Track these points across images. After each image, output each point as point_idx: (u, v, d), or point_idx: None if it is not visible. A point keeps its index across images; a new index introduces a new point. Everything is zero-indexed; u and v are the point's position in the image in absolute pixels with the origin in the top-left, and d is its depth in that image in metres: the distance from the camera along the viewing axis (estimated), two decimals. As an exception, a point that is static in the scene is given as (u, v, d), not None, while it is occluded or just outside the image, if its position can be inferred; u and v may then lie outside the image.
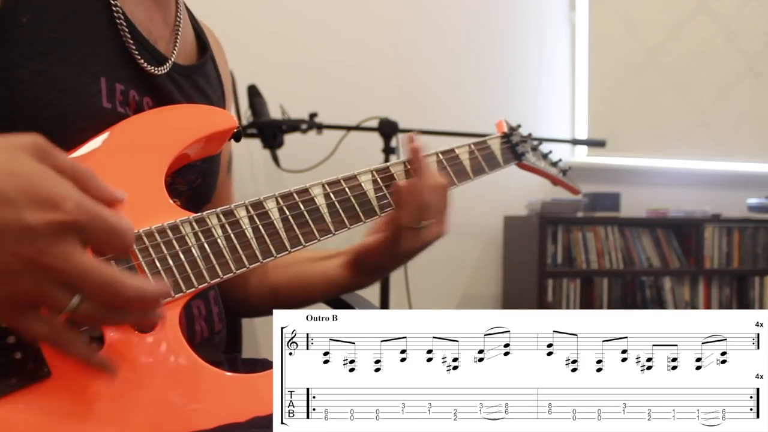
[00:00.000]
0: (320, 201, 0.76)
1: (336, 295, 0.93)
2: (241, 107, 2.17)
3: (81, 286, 0.48)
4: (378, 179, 0.82)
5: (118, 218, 0.50)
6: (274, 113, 2.19)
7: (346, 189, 0.78)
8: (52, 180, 0.48)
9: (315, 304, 0.94)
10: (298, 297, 0.93)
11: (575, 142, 2.77)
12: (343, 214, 0.77)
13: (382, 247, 0.84)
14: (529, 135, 1.04)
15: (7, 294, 0.47)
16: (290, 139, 2.26)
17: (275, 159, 2.24)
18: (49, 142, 0.49)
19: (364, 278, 0.90)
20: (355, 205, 0.78)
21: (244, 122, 2.17)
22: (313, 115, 2.21)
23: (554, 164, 1.09)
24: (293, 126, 2.16)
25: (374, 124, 2.24)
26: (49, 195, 0.46)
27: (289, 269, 0.93)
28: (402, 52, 2.72)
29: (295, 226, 0.73)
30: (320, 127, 2.20)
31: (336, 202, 0.77)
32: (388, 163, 0.84)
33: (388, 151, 2.21)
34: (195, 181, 0.80)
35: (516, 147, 0.98)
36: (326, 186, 0.77)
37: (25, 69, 0.62)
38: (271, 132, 2.15)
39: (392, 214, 0.81)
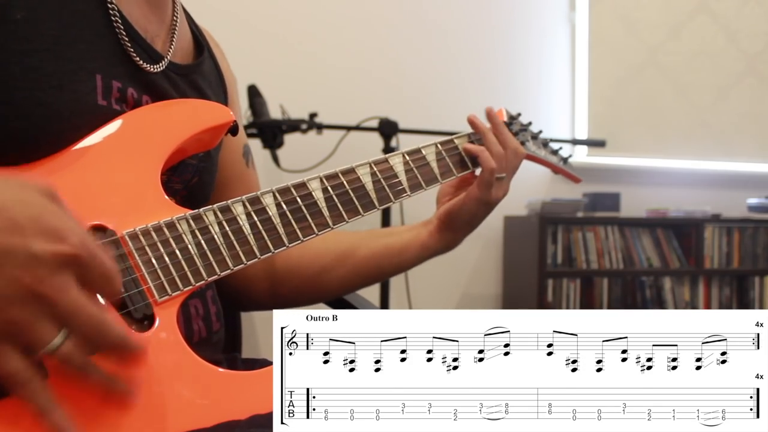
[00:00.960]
0: (318, 195, 0.75)
1: (425, 259, 0.98)
2: (241, 107, 2.17)
3: (70, 320, 0.48)
4: (376, 172, 0.81)
5: (113, 264, 0.51)
6: (274, 113, 2.19)
7: (344, 182, 0.78)
8: (60, 215, 0.50)
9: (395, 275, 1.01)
10: (387, 268, 0.97)
11: (575, 142, 2.77)
12: (341, 208, 0.77)
13: (473, 197, 0.91)
14: (530, 123, 1.04)
15: None
16: (290, 139, 2.26)
17: (275, 159, 2.24)
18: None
19: (458, 234, 0.96)
20: (354, 199, 0.78)
21: (244, 122, 2.17)
22: (313, 115, 2.21)
23: (555, 152, 1.09)
24: (293, 126, 2.16)
25: (374, 124, 2.24)
26: (57, 227, 0.48)
27: (372, 243, 0.96)
28: (402, 52, 2.72)
29: (292, 222, 0.72)
30: (320, 127, 2.20)
31: (334, 196, 0.76)
32: (386, 156, 0.84)
33: (388, 151, 2.22)
34: (191, 179, 0.79)
35: (516, 135, 0.98)
36: (324, 180, 0.77)
37: (19, 66, 0.62)
38: (271, 132, 2.16)
39: (490, 165, 0.89)
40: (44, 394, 0.50)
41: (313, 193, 0.75)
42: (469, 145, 0.92)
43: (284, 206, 0.72)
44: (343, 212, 0.77)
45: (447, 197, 0.97)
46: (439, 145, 0.90)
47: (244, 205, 0.70)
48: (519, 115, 1.03)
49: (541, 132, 1.06)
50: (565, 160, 1.10)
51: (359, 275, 0.96)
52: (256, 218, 0.70)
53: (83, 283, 0.50)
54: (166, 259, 0.63)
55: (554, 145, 1.09)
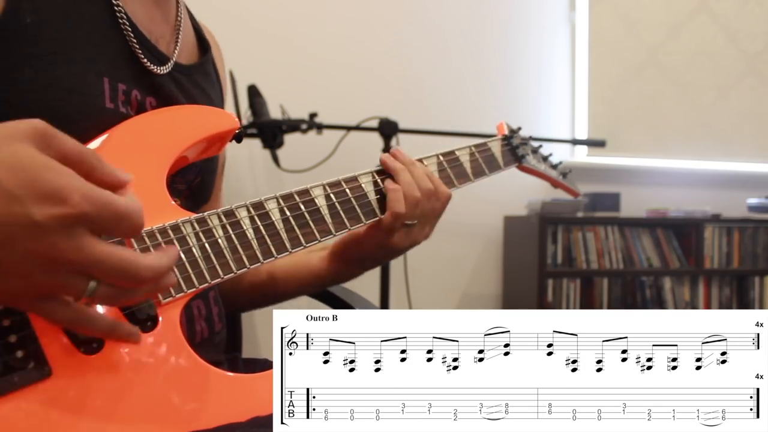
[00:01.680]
0: (321, 202, 0.76)
1: (316, 289, 0.94)
2: (241, 107, 2.17)
3: (96, 273, 0.49)
4: (378, 180, 0.82)
5: (125, 202, 0.49)
6: (274, 113, 2.19)
7: (347, 190, 0.79)
8: (56, 171, 0.47)
9: (303, 296, 0.96)
10: (278, 291, 0.94)
11: (575, 142, 2.77)
12: (343, 215, 0.77)
13: (371, 238, 0.83)
14: (530, 137, 1.04)
15: (25, 288, 0.48)
16: (290, 139, 2.26)
17: (275, 159, 2.24)
18: (50, 126, 0.48)
19: (347, 269, 0.90)
20: (356, 206, 0.79)
21: (244, 122, 2.17)
22: (313, 115, 2.21)
23: (554, 167, 1.10)
24: (293, 126, 2.16)
25: (374, 124, 2.24)
26: (55, 188, 0.46)
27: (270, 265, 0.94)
28: (402, 52, 2.72)
29: (295, 227, 0.73)
30: (320, 127, 2.20)
31: (336, 203, 0.77)
32: None
33: (388, 151, 2.21)
34: (194, 180, 0.80)
35: (516, 149, 0.98)
36: (327, 187, 0.77)
37: (28, 69, 0.62)
38: (271, 132, 2.15)
39: (395, 207, 0.80)
40: (102, 320, 0.53)
41: (316, 200, 0.76)
42: (388, 183, 0.82)
43: (287, 212, 0.73)
44: (346, 220, 0.78)
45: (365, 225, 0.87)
46: (440, 156, 0.90)
47: (248, 210, 0.71)
48: (519, 128, 1.03)
49: (541, 146, 1.07)
50: (564, 174, 1.11)
51: (260, 291, 0.94)
52: (259, 223, 0.71)
53: (100, 231, 0.49)
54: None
55: (553, 160, 1.10)
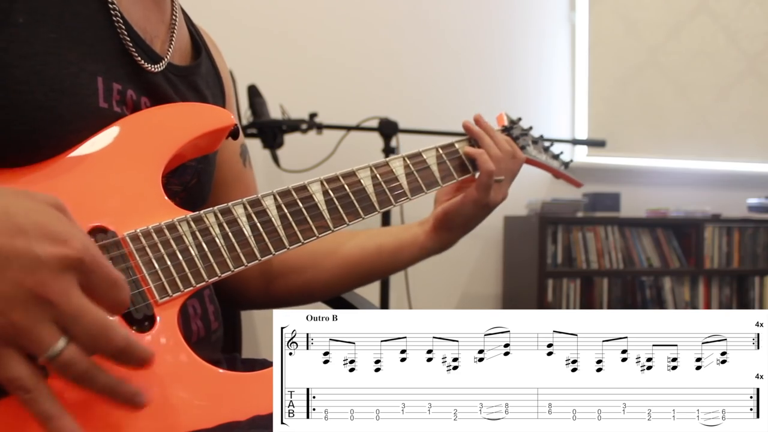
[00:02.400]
0: (319, 198, 0.76)
1: (421, 259, 0.97)
2: (241, 107, 2.17)
3: (72, 325, 0.48)
4: (377, 175, 0.82)
5: (118, 272, 0.51)
6: (274, 113, 2.19)
7: (345, 185, 0.78)
8: (65, 221, 0.50)
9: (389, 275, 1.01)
10: (383, 267, 0.97)
11: (575, 142, 2.77)
12: (341, 211, 0.77)
13: (471, 199, 0.91)
14: (530, 128, 1.04)
15: None
16: (290, 139, 2.26)
17: (275, 159, 2.24)
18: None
19: (453, 235, 0.95)
20: (354, 202, 0.78)
21: (244, 122, 2.17)
22: (313, 115, 2.21)
23: (555, 157, 1.09)
24: (293, 126, 2.16)
25: (374, 124, 2.24)
26: (61, 232, 0.48)
27: (365, 242, 0.96)
28: (402, 52, 2.72)
29: (293, 224, 0.72)
30: (320, 127, 2.20)
31: (334, 199, 0.77)
32: (386, 159, 0.84)
33: (388, 151, 2.21)
34: (190, 181, 0.79)
35: (516, 140, 0.98)
36: (325, 183, 0.77)
37: (21, 69, 0.62)
38: (271, 132, 2.15)
39: (488, 167, 0.89)
40: (48, 400, 0.48)
41: (314, 196, 0.75)
42: (470, 148, 0.92)
43: (285, 208, 0.73)
44: (344, 215, 0.77)
45: (446, 197, 0.96)
46: (440, 149, 0.90)
47: (245, 207, 0.70)
48: (519, 119, 1.03)
49: (541, 137, 1.06)
50: (566, 164, 1.10)
51: (349, 272, 0.95)
52: (256, 220, 0.70)
53: (88, 289, 0.49)
54: (167, 260, 0.64)
55: (555, 150, 1.09)
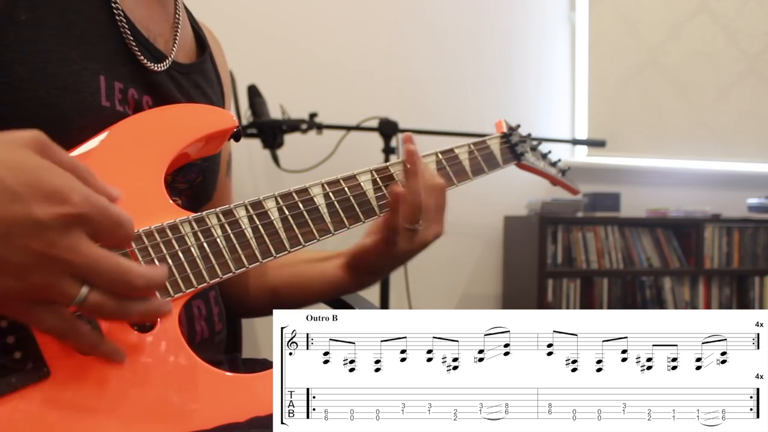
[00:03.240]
0: (320, 201, 0.76)
1: (334, 296, 0.93)
2: (241, 107, 2.17)
3: (90, 276, 0.49)
4: (377, 179, 0.81)
5: (119, 210, 0.51)
6: (274, 113, 2.19)
7: (346, 189, 0.78)
8: (57, 174, 0.49)
9: (314, 304, 0.93)
10: (296, 297, 0.93)
11: (575, 142, 2.77)
12: (342, 214, 0.77)
13: (378, 248, 0.82)
14: (529, 135, 1.03)
15: (18, 289, 0.48)
16: (290, 139, 2.26)
17: (275, 159, 2.24)
18: (49, 138, 0.50)
19: (362, 279, 0.89)
20: (355, 205, 0.78)
21: (244, 122, 2.17)
22: (313, 115, 2.21)
23: (553, 164, 1.09)
24: (293, 126, 2.16)
25: (374, 124, 2.24)
26: (56, 188, 0.48)
27: (288, 269, 0.93)
28: (402, 52, 2.72)
29: (294, 226, 0.73)
30: (320, 127, 2.20)
31: (335, 202, 0.77)
32: (387, 163, 0.84)
33: (388, 151, 2.21)
34: (195, 179, 0.80)
35: (515, 147, 0.98)
36: (326, 186, 0.77)
37: (24, 67, 0.62)
38: (271, 132, 2.15)
39: (388, 215, 0.79)
40: (87, 334, 0.52)
41: (315, 199, 0.75)
42: (391, 188, 0.79)
43: (286, 211, 0.73)
44: (345, 218, 0.77)
45: (371, 233, 0.84)
46: (439, 154, 0.89)
47: (247, 209, 0.70)
48: (518, 126, 1.03)
49: (540, 143, 1.06)
50: (563, 172, 1.10)
51: (269, 298, 0.93)
52: (258, 222, 0.70)
53: (95, 235, 0.50)
54: (169, 260, 0.64)
55: (552, 157, 1.09)
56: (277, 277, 0.93)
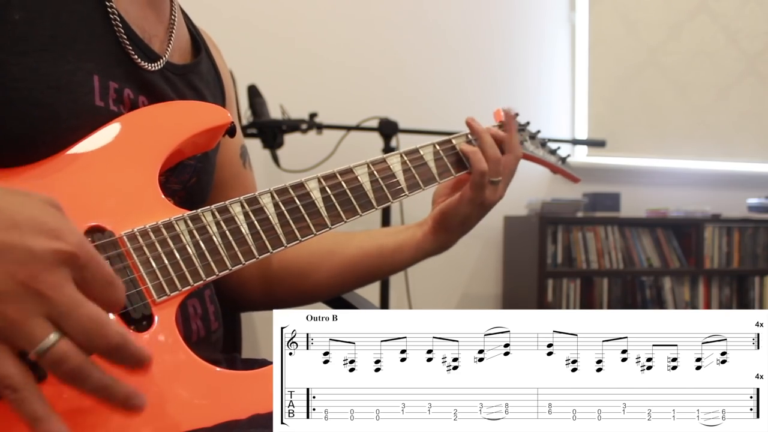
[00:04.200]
0: (316, 195, 0.75)
1: (416, 262, 0.97)
2: (241, 107, 2.17)
3: (65, 320, 0.46)
4: (374, 172, 0.81)
5: (113, 272, 0.50)
6: (274, 113, 2.19)
7: (342, 182, 0.78)
8: (60, 217, 0.49)
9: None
10: (380, 270, 0.96)
11: (575, 142, 2.77)
12: (339, 208, 0.76)
13: (465, 199, 0.90)
14: (527, 123, 1.03)
15: None
16: (290, 139, 2.26)
17: (275, 159, 2.24)
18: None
19: (450, 237, 0.95)
20: (352, 199, 0.78)
21: (244, 122, 2.17)
22: (313, 115, 2.21)
23: (553, 152, 1.09)
24: (293, 126, 2.16)
25: (374, 124, 2.24)
26: (55, 227, 0.48)
27: (368, 242, 0.95)
28: (402, 52, 2.72)
29: (290, 221, 0.72)
30: (320, 127, 2.20)
31: (332, 196, 0.76)
32: (384, 156, 0.84)
33: (388, 150, 2.22)
34: (189, 180, 0.79)
35: None
36: (322, 180, 0.76)
37: (18, 66, 0.62)
38: (271, 132, 2.16)
39: (480, 167, 0.88)
40: (37, 400, 0.46)
41: (311, 193, 0.75)
42: (465, 146, 0.91)
43: (282, 206, 0.72)
44: (341, 212, 0.77)
45: (442, 198, 0.95)
46: (437, 145, 0.89)
47: (242, 206, 0.70)
48: (517, 114, 1.03)
49: (539, 132, 1.06)
50: (563, 159, 1.10)
51: (349, 273, 0.95)
52: (254, 218, 0.70)
53: (82, 286, 0.48)
54: (164, 259, 0.63)
55: (552, 145, 1.09)
56: (359, 249, 0.95)
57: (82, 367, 0.47)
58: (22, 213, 0.47)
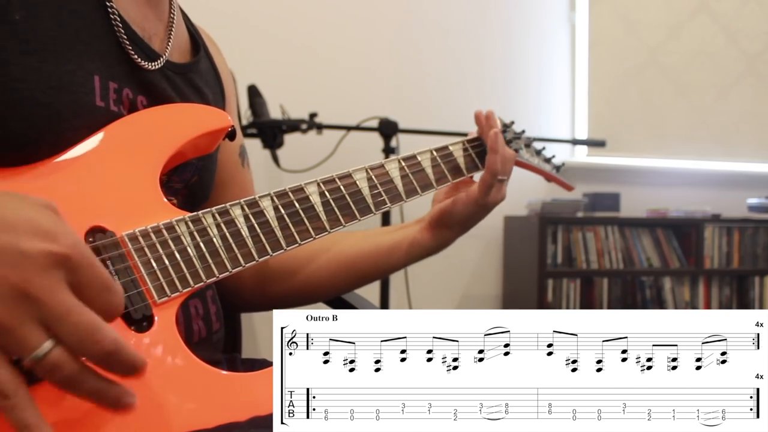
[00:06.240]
0: (315, 199, 0.76)
1: (421, 258, 0.97)
2: (241, 107, 2.17)
3: (59, 325, 0.45)
4: (372, 177, 0.82)
5: (110, 276, 0.49)
6: (274, 113, 2.19)
7: (341, 187, 0.79)
8: (55, 220, 0.48)
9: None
10: (376, 269, 0.96)
11: (575, 142, 2.77)
12: (338, 212, 0.77)
13: (471, 198, 0.91)
14: (523, 131, 1.04)
15: None
16: (290, 139, 2.26)
17: (275, 159, 2.24)
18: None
19: (450, 235, 0.94)
20: (350, 203, 0.79)
21: (244, 122, 2.17)
22: (313, 115, 2.21)
23: (548, 160, 1.09)
24: (293, 126, 2.17)
25: (374, 124, 2.24)
26: (48, 229, 0.47)
27: (366, 242, 0.95)
28: (402, 52, 2.72)
29: (290, 225, 0.73)
30: (320, 127, 2.20)
31: (331, 200, 0.77)
32: (382, 161, 0.84)
33: (388, 151, 2.22)
34: (191, 179, 0.80)
35: (509, 144, 0.98)
36: (321, 184, 0.77)
37: (18, 66, 0.62)
38: (271, 132, 2.16)
39: (495, 168, 0.89)
40: (28, 408, 0.45)
41: (311, 198, 0.76)
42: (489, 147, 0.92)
43: (282, 210, 0.73)
44: (340, 216, 0.77)
45: (444, 195, 0.96)
46: (434, 152, 0.90)
47: (242, 208, 0.70)
48: (512, 123, 1.03)
49: (534, 140, 1.07)
50: (557, 168, 1.11)
51: (344, 270, 0.95)
52: (254, 221, 0.70)
53: (78, 290, 0.47)
54: (165, 260, 0.64)
55: (548, 153, 1.10)
56: (355, 246, 0.95)
57: (78, 374, 0.47)
58: (17, 215, 0.47)
